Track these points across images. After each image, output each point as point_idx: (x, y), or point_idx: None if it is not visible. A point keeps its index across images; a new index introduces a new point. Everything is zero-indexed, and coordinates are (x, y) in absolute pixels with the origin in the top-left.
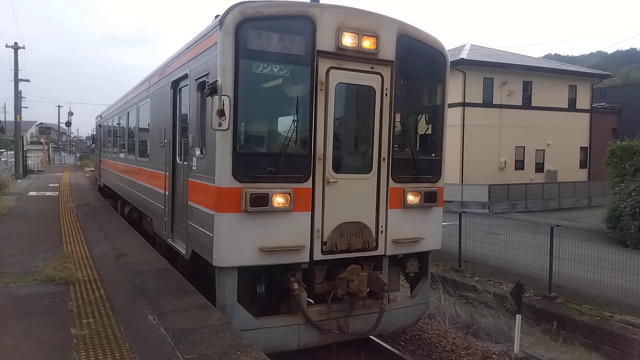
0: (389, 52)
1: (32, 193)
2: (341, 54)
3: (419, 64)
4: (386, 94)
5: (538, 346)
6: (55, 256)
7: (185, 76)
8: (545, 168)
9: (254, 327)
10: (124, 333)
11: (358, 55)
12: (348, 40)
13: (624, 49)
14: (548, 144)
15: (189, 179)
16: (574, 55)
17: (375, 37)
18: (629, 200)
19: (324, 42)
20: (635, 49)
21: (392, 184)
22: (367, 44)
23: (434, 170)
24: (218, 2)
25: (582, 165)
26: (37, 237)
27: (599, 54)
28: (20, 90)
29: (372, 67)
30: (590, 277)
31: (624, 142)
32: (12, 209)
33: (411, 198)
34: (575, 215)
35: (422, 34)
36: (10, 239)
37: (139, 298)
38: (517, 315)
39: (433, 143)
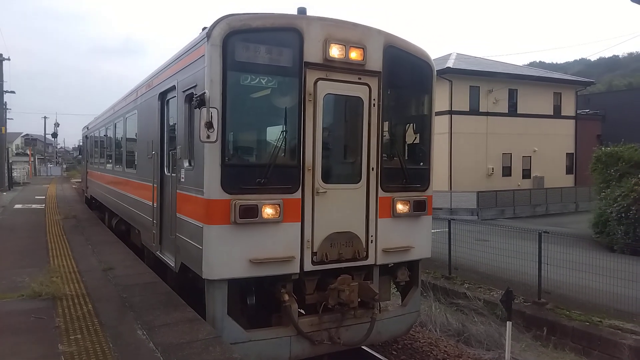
0: (375, 63)
1: (17, 206)
2: (329, 65)
3: (405, 74)
4: (374, 104)
5: (529, 352)
6: (41, 270)
7: (173, 88)
8: (532, 174)
9: (244, 340)
10: (113, 349)
11: (345, 67)
12: (335, 51)
13: (606, 57)
14: (534, 151)
15: (178, 190)
16: (558, 62)
17: (362, 48)
18: (615, 205)
19: (312, 53)
20: (618, 56)
21: (381, 193)
22: (354, 55)
23: (422, 179)
24: (207, 13)
25: (569, 171)
26: (23, 251)
27: (583, 61)
28: (6, 102)
29: (359, 78)
30: (579, 282)
31: (608, 148)
32: None
33: (400, 207)
34: (562, 220)
35: (408, 44)
36: None
37: (128, 312)
38: (507, 322)
39: (421, 152)
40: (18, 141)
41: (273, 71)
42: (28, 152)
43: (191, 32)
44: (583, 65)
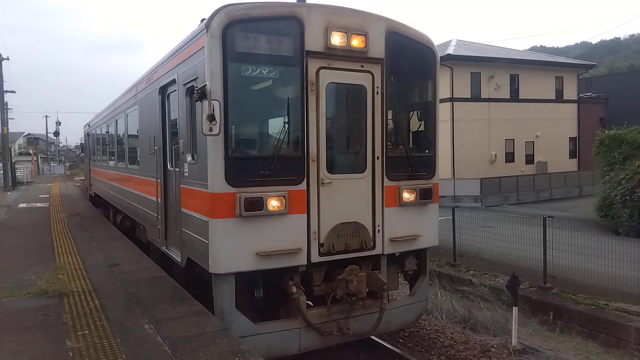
0: (378, 50)
1: (22, 205)
2: (330, 54)
3: (408, 60)
4: (377, 92)
5: (535, 337)
6: (48, 268)
7: (173, 81)
8: (536, 159)
9: (253, 333)
10: (120, 344)
11: (347, 54)
12: (337, 39)
13: (607, 39)
14: (537, 136)
15: (181, 185)
16: (559, 46)
17: (364, 35)
18: (619, 188)
19: (313, 42)
20: (619, 38)
21: (387, 182)
22: (356, 42)
23: (428, 166)
24: (205, 6)
25: (572, 155)
26: (29, 250)
27: (584, 44)
28: (7, 102)
29: (362, 66)
30: (585, 266)
31: (612, 131)
32: (2, 222)
33: (407, 196)
34: (566, 205)
35: (411, 30)
36: (1, 252)
37: (135, 307)
38: (513, 307)
39: (426, 139)
40: (20, 141)
41: (274, 61)
42: (31, 152)
43: (192, 24)
44: (584, 49)
